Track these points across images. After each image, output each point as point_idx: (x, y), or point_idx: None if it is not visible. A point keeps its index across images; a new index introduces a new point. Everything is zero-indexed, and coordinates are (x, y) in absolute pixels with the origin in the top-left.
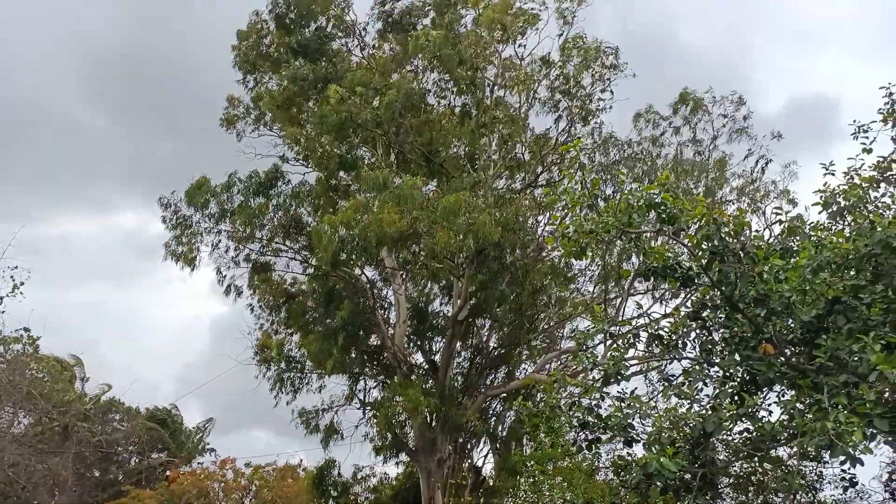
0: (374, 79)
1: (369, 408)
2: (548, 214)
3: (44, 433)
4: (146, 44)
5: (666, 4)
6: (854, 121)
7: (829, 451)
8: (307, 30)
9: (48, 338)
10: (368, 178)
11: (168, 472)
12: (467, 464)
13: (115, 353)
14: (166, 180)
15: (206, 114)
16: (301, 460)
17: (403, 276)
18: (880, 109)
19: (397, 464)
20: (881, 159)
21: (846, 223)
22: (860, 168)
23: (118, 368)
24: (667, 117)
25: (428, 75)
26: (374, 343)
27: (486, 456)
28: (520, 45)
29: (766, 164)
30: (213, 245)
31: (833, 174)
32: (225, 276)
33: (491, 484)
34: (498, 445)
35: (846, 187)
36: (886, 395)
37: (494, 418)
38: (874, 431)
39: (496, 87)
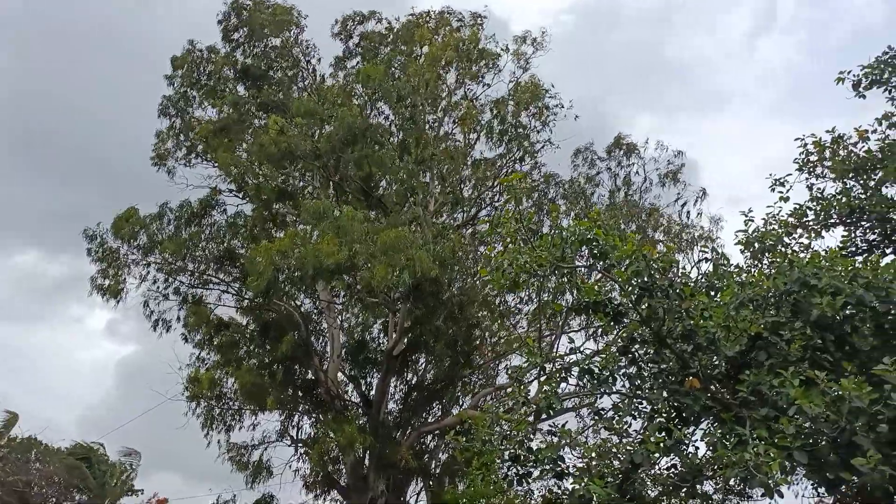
0: (321, 109)
1: (301, 444)
2: (482, 248)
3: None
4: (33, 92)
5: (548, 67)
6: (771, 174)
7: (747, 483)
8: (255, 50)
9: None
10: (309, 207)
11: None
12: (401, 501)
13: (13, 395)
14: (65, 224)
15: (106, 158)
16: (235, 495)
17: (339, 310)
18: (796, 159)
19: (330, 501)
20: (797, 206)
21: (765, 263)
22: (778, 214)
23: (18, 412)
24: (603, 158)
25: (371, 109)
26: (309, 378)
27: (419, 493)
28: (461, 82)
29: (685, 204)
30: (140, 277)
31: (752, 220)
32: (153, 310)
33: None
34: (431, 482)
35: (764, 230)
36: (806, 428)
37: (428, 455)
38: (794, 464)
39: (438, 124)
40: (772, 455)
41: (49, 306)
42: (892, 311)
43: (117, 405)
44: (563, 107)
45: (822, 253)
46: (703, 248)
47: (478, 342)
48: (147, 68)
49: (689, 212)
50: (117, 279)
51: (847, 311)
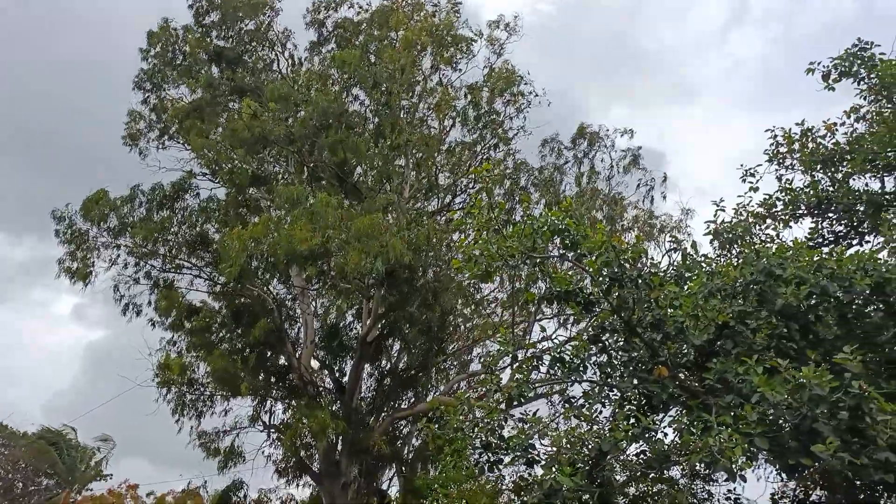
0: (295, 93)
1: (273, 430)
2: (457, 236)
3: None
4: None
5: (523, 56)
6: (741, 165)
7: (711, 468)
8: (229, 33)
9: None
10: (282, 193)
11: (59, 498)
12: (373, 487)
13: None
14: (30, 206)
15: (75, 139)
16: (206, 481)
17: (312, 296)
18: (766, 151)
19: (302, 486)
20: (767, 197)
21: (734, 254)
22: (748, 205)
23: None
24: (569, 147)
25: (347, 94)
26: (282, 363)
27: (391, 479)
28: (435, 67)
29: (650, 190)
30: (110, 261)
31: (723, 210)
32: (123, 294)
33: None
34: (404, 468)
35: (733, 221)
36: (769, 415)
37: (401, 441)
38: (756, 450)
39: (413, 110)
40: (735, 441)
41: (13, 290)
42: (856, 301)
43: (85, 391)
44: (536, 94)
45: (790, 244)
46: (672, 238)
47: (451, 329)
48: (116, 47)
49: (652, 197)
50: (86, 262)
51: (811, 301)
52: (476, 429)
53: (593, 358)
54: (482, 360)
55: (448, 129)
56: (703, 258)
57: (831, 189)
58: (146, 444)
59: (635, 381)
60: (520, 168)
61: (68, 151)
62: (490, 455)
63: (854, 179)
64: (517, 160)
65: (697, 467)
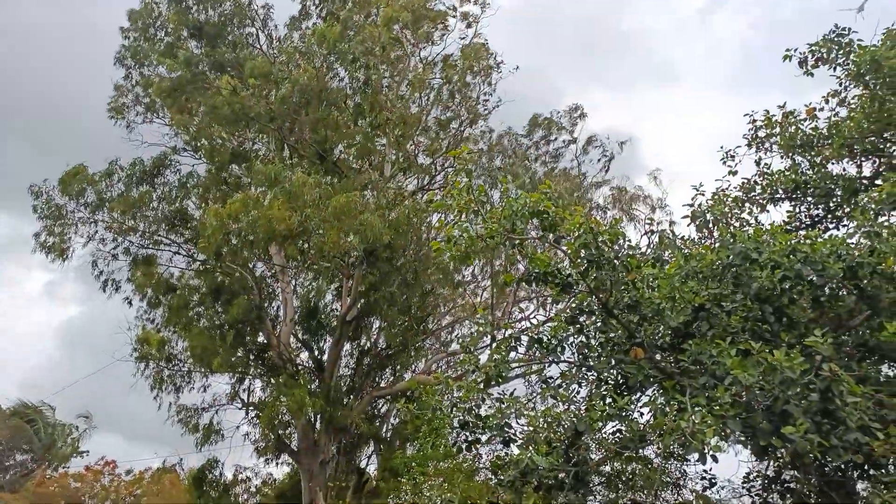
0: (276, 69)
1: (252, 407)
2: (436, 217)
3: None
4: None
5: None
6: (721, 147)
7: (684, 449)
8: (211, 12)
9: None
10: (260, 172)
11: (35, 475)
12: (352, 465)
13: None
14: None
15: (42, 117)
16: (181, 458)
17: (292, 274)
18: (745, 135)
19: (280, 464)
20: (745, 180)
21: (714, 237)
22: (727, 188)
23: None
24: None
25: (328, 71)
26: (261, 341)
27: (370, 457)
28: (416, 44)
29: (609, 160)
30: (88, 237)
31: (703, 194)
32: (102, 270)
33: (374, 485)
34: (382, 447)
35: (712, 203)
36: (742, 397)
37: (380, 419)
38: (729, 431)
39: (395, 86)
40: (708, 423)
41: None
42: (829, 285)
43: (60, 368)
44: (502, 63)
45: (766, 227)
46: (648, 219)
47: (431, 308)
48: (94, 21)
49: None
50: (63, 237)
51: (786, 285)
52: (454, 408)
53: (571, 339)
54: (460, 340)
55: (429, 106)
56: (679, 239)
57: (810, 173)
58: (120, 421)
59: (612, 362)
60: (493, 149)
61: (43, 125)
62: (467, 434)
63: (832, 164)
64: (491, 140)
65: (672, 447)
